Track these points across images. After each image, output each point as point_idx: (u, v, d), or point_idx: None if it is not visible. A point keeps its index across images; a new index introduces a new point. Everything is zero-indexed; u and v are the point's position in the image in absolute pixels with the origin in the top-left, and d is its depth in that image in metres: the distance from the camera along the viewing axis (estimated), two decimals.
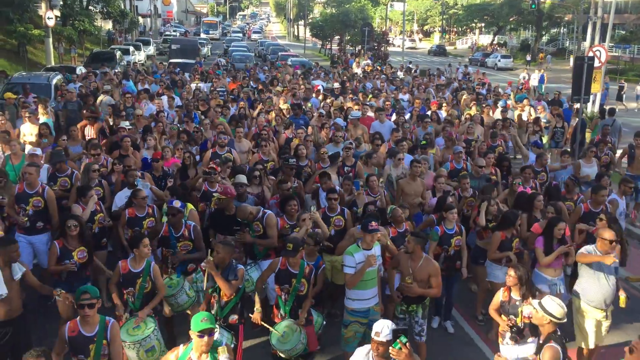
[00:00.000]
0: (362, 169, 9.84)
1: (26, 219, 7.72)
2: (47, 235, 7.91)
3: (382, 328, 4.70)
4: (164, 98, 14.76)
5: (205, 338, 4.63)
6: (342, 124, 12.32)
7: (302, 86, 17.85)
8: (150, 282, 6.29)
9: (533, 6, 40.77)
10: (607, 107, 16.29)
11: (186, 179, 9.16)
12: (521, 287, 6.13)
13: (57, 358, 5.24)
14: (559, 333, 5.22)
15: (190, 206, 8.01)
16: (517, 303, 6.14)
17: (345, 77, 22.77)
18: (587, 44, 19.12)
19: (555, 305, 5.19)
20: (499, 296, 6.34)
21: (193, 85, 17.90)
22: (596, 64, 17.02)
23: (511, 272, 6.14)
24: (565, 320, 5.23)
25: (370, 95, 16.80)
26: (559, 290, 7.34)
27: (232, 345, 5.78)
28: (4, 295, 5.78)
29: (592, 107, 17.85)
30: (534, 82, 27.31)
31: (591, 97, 18.17)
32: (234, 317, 6.13)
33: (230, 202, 7.86)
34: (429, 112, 14.35)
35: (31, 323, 6.03)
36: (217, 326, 5.11)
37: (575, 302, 6.92)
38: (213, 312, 6.02)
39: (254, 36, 72.06)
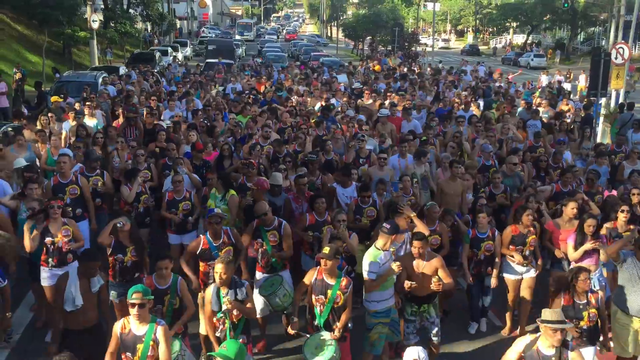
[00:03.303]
0: (376, 161, 10.10)
1: (70, 208, 8.10)
2: (86, 223, 8.42)
3: (418, 354, 5.01)
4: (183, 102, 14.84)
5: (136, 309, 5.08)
6: (363, 119, 12.96)
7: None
8: (178, 299, 6.11)
9: (566, 5, 40.58)
10: (626, 102, 16.66)
11: (223, 169, 9.76)
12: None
13: (111, 357, 5.30)
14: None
15: (232, 192, 8.50)
16: (582, 307, 6.06)
17: (367, 78, 23.07)
18: (610, 41, 19.38)
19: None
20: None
21: (213, 92, 17.84)
22: (619, 60, 17.42)
23: (582, 276, 6.01)
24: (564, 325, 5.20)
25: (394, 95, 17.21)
26: (596, 287, 7.16)
27: None
28: (79, 306, 5.93)
29: (613, 103, 18.19)
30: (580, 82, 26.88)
31: (614, 92, 18.57)
32: (243, 338, 5.86)
33: (262, 195, 8.39)
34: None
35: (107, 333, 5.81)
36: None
37: (612, 307, 6.78)
38: (218, 334, 5.87)
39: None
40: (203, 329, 6.55)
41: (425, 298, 6.60)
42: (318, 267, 6.17)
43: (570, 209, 7.95)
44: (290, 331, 6.25)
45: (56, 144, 10.27)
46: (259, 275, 7.36)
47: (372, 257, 6.36)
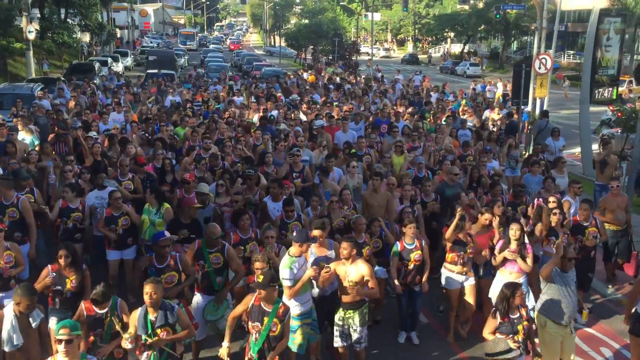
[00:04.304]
0: (310, 174, 10.44)
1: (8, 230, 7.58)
2: (27, 247, 8.03)
3: None
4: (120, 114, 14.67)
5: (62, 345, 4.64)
6: (300, 131, 13.13)
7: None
8: (118, 321, 5.87)
9: (497, 16, 42.47)
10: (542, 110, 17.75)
11: (164, 183, 9.85)
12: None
13: None
14: None
15: (166, 205, 8.57)
16: (516, 321, 6.23)
17: (301, 88, 23.29)
18: (534, 52, 20.57)
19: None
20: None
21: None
22: (542, 70, 18.54)
23: (518, 292, 6.22)
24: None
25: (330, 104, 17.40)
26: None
27: None
28: (20, 345, 5.64)
29: (538, 111, 19.30)
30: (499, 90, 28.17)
31: (538, 100, 19.72)
32: None
33: (195, 210, 8.33)
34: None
35: None
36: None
37: (540, 319, 6.91)
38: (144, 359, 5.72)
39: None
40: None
41: (353, 304, 6.74)
42: (255, 292, 5.93)
43: (484, 219, 8.20)
44: (222, 357, 6.01)
45: None
46: (198, 297, 7.17)
47: (286, 265, 6.48)
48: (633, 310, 6.91)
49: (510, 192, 10.08)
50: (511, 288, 6.26)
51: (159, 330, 5.65)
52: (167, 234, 6.90)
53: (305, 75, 30.88)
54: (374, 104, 18.37)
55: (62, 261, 6.48)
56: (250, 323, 5.88)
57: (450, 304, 8.14)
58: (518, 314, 6.23)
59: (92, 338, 5.90)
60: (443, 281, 8.06)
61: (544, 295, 6.86)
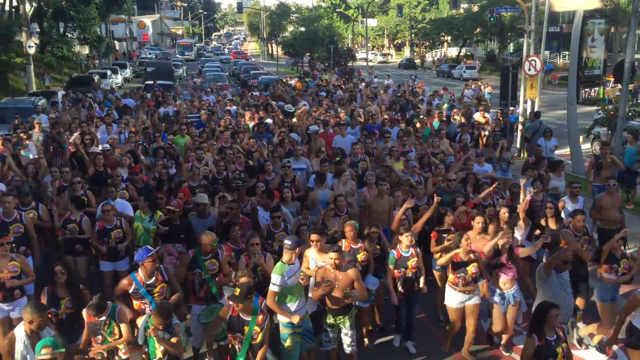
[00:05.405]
0: (301, 184, 10.35)
1: (14, 245, 7.71)
2: (30, 261, 8.00)
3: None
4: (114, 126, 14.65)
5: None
6: (298, 138, 13.20)
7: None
8: (117, 328, 6.04)
9: (492, 19, 42.67)
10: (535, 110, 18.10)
11: (161, 191, 9.73)
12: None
13: None
14: None
15: (159, 213, 8.73)
16: (554, 343, 5.93)
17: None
18: (524, 53, 20.92)
19: None
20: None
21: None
22: (532, 72, 18.91)
23: (553, 311, 5.95)
24: None
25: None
26: (511, 303, 7.46)
27: None
28: None
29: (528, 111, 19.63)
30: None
31: (529, 101, 20.07)
32: None
33: (172, 212, 8.40)
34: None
35: None
36: None
37: None
38: None
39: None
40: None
41: (342, 310, 6.77)
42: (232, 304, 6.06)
43: (477, 223, 8.01)
44: None
45: None
46: (196, 308, 7.22)
47: (278, 271, 6.50)
48: (627, 323, 6.77)
49: (507, 195, 10.07)
50: (544, 307, 6.01)
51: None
52: (150, 248, 6.78)
53: (292, 82, 31.14)
54: (361, 108, 18.47)
55: (57, 278, 6.46)
56: (230, 334, 6.06)
57: (450, 319, 7.87)
58: (555, 335, 5.93)
59: (93, 343, 6.04)
60: (445, 298, 7.79)
61: (540, 296, 6.96)
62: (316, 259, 7.21)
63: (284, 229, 8.28)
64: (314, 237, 7.15)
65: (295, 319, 6.49)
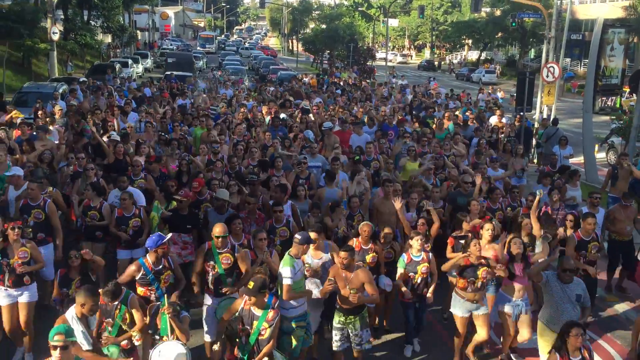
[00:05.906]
0: (314, 181, 10.31)
1: (30, 229, 7.76)
2: (49, 247, 8.17)
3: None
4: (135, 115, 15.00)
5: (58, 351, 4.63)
6: (311, 136, 13.20)
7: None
8: (128, 314, 6.08)
9: (513, 24, 42.74)
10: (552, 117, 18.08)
11: (180, 182, 9.83)
12: None
13: None
14: None
15: (174, 203, 8.77)
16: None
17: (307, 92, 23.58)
18: (543, 60, 20.92)
19: None
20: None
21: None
22: (550, 78, 18.91)
23: (574, 331, 5.75)
24: None
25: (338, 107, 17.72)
26: (523, 312, 7.39)
27: None
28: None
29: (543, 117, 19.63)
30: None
31: (546, 108, 20.08)
32: None
33: (185, 206, 8.50)
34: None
35: None
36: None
37: (541, 326, 6.96)
38: None
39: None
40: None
41: (352, 310, 6.75)
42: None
43: (486, 230, 7.75)
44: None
45: (1, 159, 9.43)
46: (209, 299, 7.20)
47: (287, 264, 6.48)
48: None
49: (508, 197, 10.03)
50: (567, 325, 5.82)
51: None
52: (162, 235, 6.86)
53: (306, 79, 31.27)
54: (375, 109, 18.54)
55: (71, 262, 6.61)
56: (240, 327, 6.07)
57: (456, 329, 7.62)
58: (580, 356, 5.75)
59: (103, 325, 6.04)
60: (451, 305, 7.57)
61: (545, 306, 6.96)
62: (312, 257, 7.21)
63: (285, 224, 8.27)
64: (312, 235, 7.07)
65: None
